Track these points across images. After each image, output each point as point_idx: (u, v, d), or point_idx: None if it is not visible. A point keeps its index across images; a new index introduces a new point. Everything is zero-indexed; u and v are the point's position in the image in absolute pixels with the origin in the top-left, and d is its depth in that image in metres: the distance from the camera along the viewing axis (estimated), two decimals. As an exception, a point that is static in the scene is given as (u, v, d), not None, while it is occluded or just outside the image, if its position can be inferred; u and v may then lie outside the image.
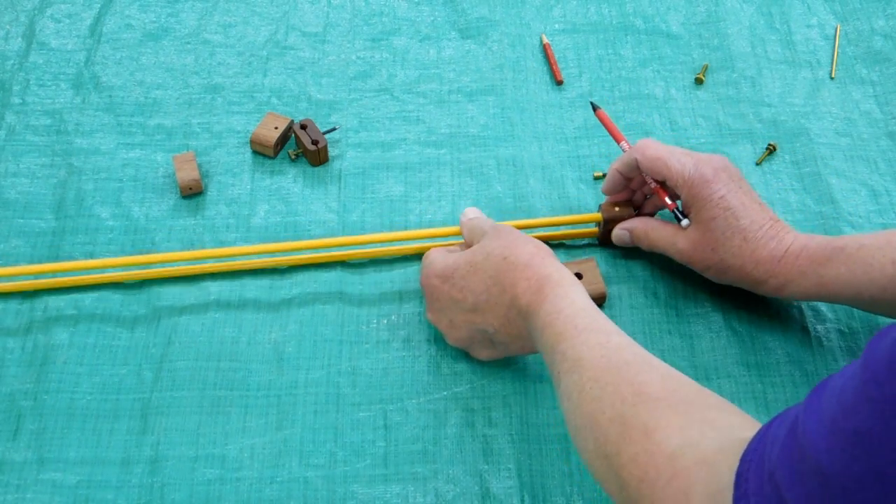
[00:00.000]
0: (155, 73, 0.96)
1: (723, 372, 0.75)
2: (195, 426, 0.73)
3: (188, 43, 0.99)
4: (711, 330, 0.77)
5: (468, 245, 0.75)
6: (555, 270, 0.66)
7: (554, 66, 0.96)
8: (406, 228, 0.84)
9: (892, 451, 0.38)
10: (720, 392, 0.63)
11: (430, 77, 0.96)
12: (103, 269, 0.80)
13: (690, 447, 0.51)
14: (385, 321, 0.78)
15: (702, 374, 0.75)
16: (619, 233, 0.79)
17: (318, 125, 0.91)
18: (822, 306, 0.78)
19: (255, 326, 0.78)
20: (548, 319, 0.63)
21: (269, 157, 0.89)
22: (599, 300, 0.77)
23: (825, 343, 0.76)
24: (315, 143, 0.87)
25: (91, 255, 0.82)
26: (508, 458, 0.71)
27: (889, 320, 0.73)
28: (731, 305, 0.78)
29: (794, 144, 0.90)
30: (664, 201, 0.77)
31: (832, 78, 0.96)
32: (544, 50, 0.98)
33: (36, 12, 1.01)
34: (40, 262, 0.81)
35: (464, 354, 0.76)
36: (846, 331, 0.77)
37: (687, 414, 0.53)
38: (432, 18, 1.01)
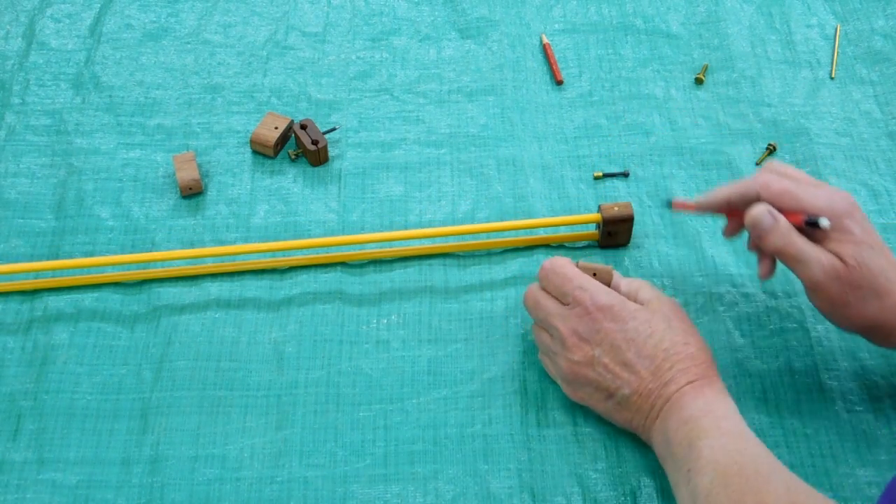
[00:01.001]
0: (155, 73, 0.96)
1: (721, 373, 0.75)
2: (195, 426, 0.73)
3: (188, 43, 0.99)
4: (712, 332, 0.77)
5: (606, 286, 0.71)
6: (717, 379, 0.67)
7: (554, 66, 0.96)
8: (406, 228, 0.84)
9: None
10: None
11: (430, 77, 0.96)
12: (103, 268, 0.80)
13: None
14: (385, 321, 0.78)
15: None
16: (759, 211, 0.67)
17: (318, 125, 0.91)
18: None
19: (255, 326, 0.78)
20: (696, 414, 0.64)
21: (269, 157, 0.89)
22: None
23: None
24: (315, 143, 0.87)
25: (91, 255, 0.82)
26: (508, 458, 0.71)
27: None
28: (729, 317, 0.78)
29: (794, 144, 0.90)
30: (793, 219, 0.67)
31: (832, 78, 0.96)
32: (544, 50, 0.98)
33: (36, 12, 1.01)
34: (40, 262, 0.81)
35: (464, 354, 0.76)
36: None
37: None
38: (432, 18, 1.01)
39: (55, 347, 0.76)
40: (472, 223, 0.84)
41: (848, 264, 0.65)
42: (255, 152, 0.90)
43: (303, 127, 0.88)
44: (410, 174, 0.88)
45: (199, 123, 0.92)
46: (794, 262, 0.66)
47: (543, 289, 0.72)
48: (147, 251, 0.83)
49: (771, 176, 0.69)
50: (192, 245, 0.83)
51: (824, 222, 0.65)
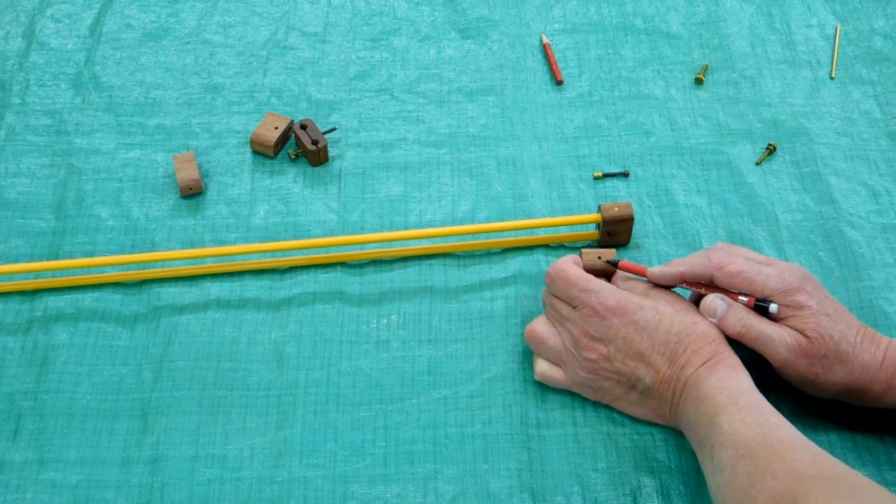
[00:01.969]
0: (155, 73, 0.96)
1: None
2: (195, 426, 0.73)
3: (188, 43, 0.99)
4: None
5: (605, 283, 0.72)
6: (730, 354, 0.67)
7: (554, 66, 0.96)
8: (406, 228, 0.84)
9: None
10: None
11: (430, 77, 0.96)
12: (103, 268, 0.80)
13: None
14: (385, 321, 0.78)
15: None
16: (711, 300, 0.69)
17: (318, 125, 0.91)
18: None
19: (255, 326, 0.78)
20: (712, 392, 0.64)
21: (269, 157, 0.89)
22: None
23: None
24: (315, 143, 0.87)
25: (91, 255, 0.82)
26: (508, 458, 0.71)
27: None
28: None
29: (794, 144, 0.90)
30: (743, 302, 0.69)
31: (832, 78, 0.96)
32: (544, 50, 0.98)
33: (36, 12, 1.01)
34: (40, 262, 0.81)
35: (464, 354, 0.76)
36: None
37: (835, 489, 0.55)
38: (432, 18, 1.01)
39: (55, 347, 0.76)
40: (472, 223, 0.84)
41: (809, 337, 0.67)
42: (255, 152, 0.90)
43: (303, 127, 0.88)
44: (410, 174, 0.88)
45: (199, 123, 0.92)
46: (756, 344, 0.68)
47: (552, 293, 0.73)
48: (147, 251, 0.83)
49: (724, 257, 0.70)
50: (192, 245, 0.83)
51: (773, 308, 0.68)
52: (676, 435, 0.71)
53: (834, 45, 0.98)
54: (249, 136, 0.90)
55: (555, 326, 0.73)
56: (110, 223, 0.84)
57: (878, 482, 0.68)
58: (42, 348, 0.76)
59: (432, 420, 0.73)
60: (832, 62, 0.97)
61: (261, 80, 0.95)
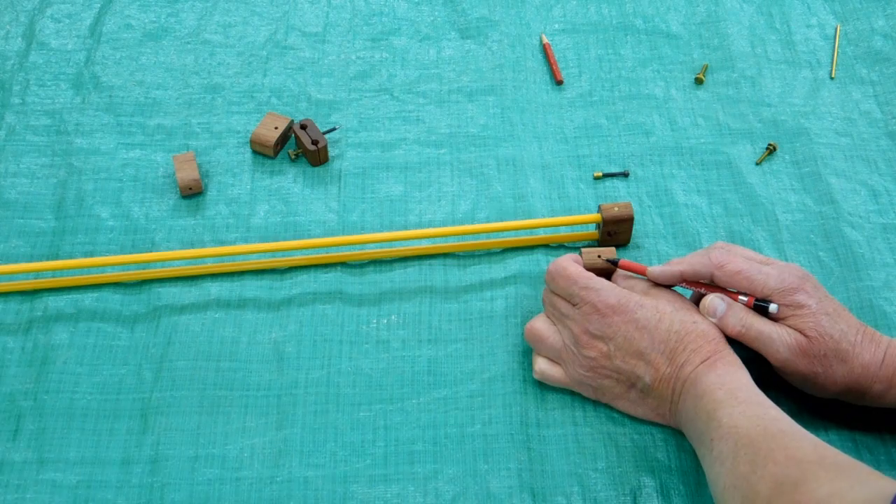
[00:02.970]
0: (155, 73, 0.96)
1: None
2: (195, 426, 0.73)
3: (188, 43, 0.99)
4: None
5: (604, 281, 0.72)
6: (729, 352, 0.68)
7: (554, 66, 0.96)
8: (406, 228, 0.84)
9: None
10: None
11: (430, 77, 0.96)
12: (103, 268, 0.80)
13: (838, 496, 0.53)
14: (385, 321, 0.78)
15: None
16: (711, 300, 0.70)
17: (318, 125, 0.91)
18: None
19: (255, 326, 0.78)
20: (710, 388, 0.64)
21: (269, 157, 0.89)
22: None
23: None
24: (315, 143, 0.87)
25: (91, 255, 0.82)
26: (508, 458, 0.71)
27: None
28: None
29: (794, 144, 0.90)
30: (742, 302, 0.69)
31: (832, 78, 0.96)
32: (544, 50, 0.98)
33: (36, 12, 1.01)
34: (40, 262, 0.81)
35: (464, 354, 0.76)
36: None
37: (838, 473, 0.55)
38: (432, 18, 1.01)
39: (55, 347, 0.76)
40: (472, 223, 0.84)
41: (809, 337, 0.67)
42: (255, 152, 0.90)
43: (303, 127, 0.88)
44: (410, 174, 0.88)
45: (199, 123, 0.92)
46: (756, 344, 0.68)
47: (552, 291, 0.73)
48: (147, 251, 0.83)
49: (724, 256, 0.70)
50: (192, 245, 0.83)
51: (773, 308, 0.68)
52: (676, 435, 0.71)
53: (834, 45, 0.98)
54: (249, 136, 0.90)
55: (555, 324, 0.73)
56: (110, 223, 0.84)
57: (878, 482, 0.68)
58: (42, 348, 0.76)
59: (432, 420, 0.73)
60: (832, 62, 0.97)
61: (261, 80, 0.95)
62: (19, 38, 0.99)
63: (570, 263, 0.72)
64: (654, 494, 0.69)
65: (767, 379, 0.71)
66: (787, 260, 0.81)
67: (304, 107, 0.93)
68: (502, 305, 0.79)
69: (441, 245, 0.82)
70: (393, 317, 0.79)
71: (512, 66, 0.97)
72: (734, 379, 0.65)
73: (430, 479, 0.70)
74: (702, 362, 0.66)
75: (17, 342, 0.77)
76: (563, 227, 0.83)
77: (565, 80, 0.96)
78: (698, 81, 0.95)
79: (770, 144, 0.89)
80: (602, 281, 0.71)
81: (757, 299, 0.69)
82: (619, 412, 0.72)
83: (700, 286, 0.71)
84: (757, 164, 0.89)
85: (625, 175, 0.88)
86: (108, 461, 0.71)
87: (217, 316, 0.79)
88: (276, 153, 0.89)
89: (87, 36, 0.99)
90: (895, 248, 0.82)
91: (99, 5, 1.01)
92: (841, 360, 0.67)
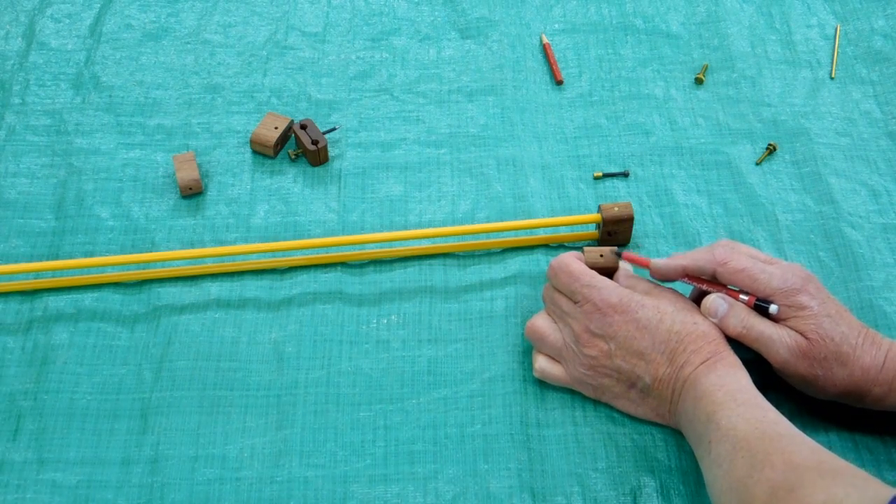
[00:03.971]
0: (155, 73, 0.96)
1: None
2: (195, 426, 0.73)
3: (188, 43, 0.99)
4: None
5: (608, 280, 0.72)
6: (729, 353, 0.68)
7: (554, 66, 0.96)
8: (406, 228, 0.84)
9: None
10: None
11: (430, 77, 0.96)
12: (103, 268, 0.80)
13: (834, 503, 0.53)
14: (385, 321, 0.78)
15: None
16: (713, 300, 0.69)
17: (318, 125, 0.91)
18: None
19: (255, 326, 0.78)
20: (710, 389, 0.64)
21: (269, 157, 0.89)
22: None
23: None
24: (315, 143, 0.87)
25: (91, 255, 0.82)
26: (508, 458, 0.71)
27: None
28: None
29: (794, 144, 0.90)
30: (743, 301, 0.69)
31: (832, 78, 0.96)
32: (544, 50, 0.98)
33: (36, 12, 1.01)
34: (40, 262, 0.81)
35: (464, 354, 0.76)
36: None
37: (834, 479, 0.55)
38: (432, 18, 1.01)
39: (55, 347, 0.76)
40: (472, 223, 0.84)
41: (810, 339, 0.67)
42: (255, 152, 0.90)
43: (303, 127, 0.88)
44: (410, 174, 0.88)
45: (199, 123, 0.92)
46: (757, 345, 0.68)
47: (554, 287, 0.73)
48: (147, 251, 0.83)
49: (728, 253, 0.70)
50: (192, 245, 0.83)
51: (773, 308, 0.67)
52: (676, 435, 0.71)
53: (834, 45, 0.98)
54: (249, 136, 0.90)
55: (556, 322, 0.73)
56: (110, 223, 0.84)
57: (878, 482, 0.68)
58: (42, 348, 0.76)
59: (432, 420, 0.73)
60: (832, 62, 0.97)
61: (261, 80, 0.95)
62: (19, 38, 0.99)
63: (572, 260, 0.72)
64: (654, 494, 0.69)
65: (767, 380, 0.71)
66: (787, 260, 0.81)
67: (304, 107, 0.93)
68: (502, 305, 0.79)
69: (441, 245, 0.82)
70: (393, 317, 0.79)
71: (512, 66, 0.97)
72: (734, 380, 0.65)
73: (430, 479, 0.70)
74: (702, 363, 0.66)
75: (17, 342, 0.77)
76: (563, 227, 0.83)
77: (565, 80, 0.96)
78: (698, 81, 0.95)
79: (770, 144, 0.89)
80: (604, 279, 0.71)
81: (758, 299, 0.68)
82: (619, 412, 0.72)
83: (702, 282, 0.71)
84: (757, 164, 0.89)
85: (625, 175, 0.88)
86: (108, 461, 0.71)
87: (217, 316, 0.79)
88: (276, 153, 0.89)
89: (87, 36, 0.99)
90: (895, 248, 0.82)
91: (99, 5, 1.01)
92: (841, 363, 0.67)
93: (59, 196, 0.86)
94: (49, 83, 0.95)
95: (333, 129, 0.90)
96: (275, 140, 0.88)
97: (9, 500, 0.69)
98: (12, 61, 0.97)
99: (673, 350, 0.67)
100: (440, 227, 0.84)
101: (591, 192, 0.87)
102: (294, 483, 0.70)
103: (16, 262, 0.82)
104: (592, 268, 0.74)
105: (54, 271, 0.80)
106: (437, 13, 1.01)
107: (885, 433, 0.71)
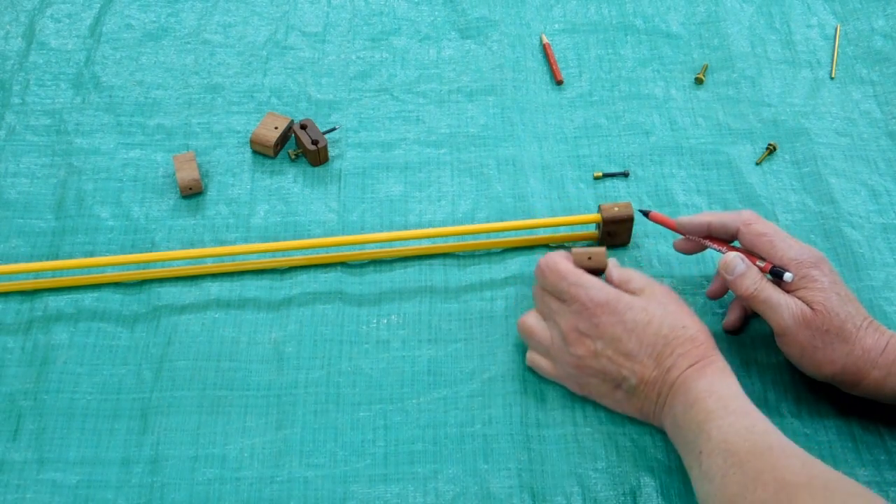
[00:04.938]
0: (155, 73, 0.96)
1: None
2: (195, 426, 0.73)
3: (188, 43, 0.99)
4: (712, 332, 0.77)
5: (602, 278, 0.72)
6: (719, 357, 0.68)
7: (554, 66, 0.96)
8: (406, 228, 0.84)
9: None
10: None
11: (430, 77, 0.96)
12: (103, 268, 0.80)
13: None
14: (385, 321, 0.78)
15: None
16: (732, 257, 0.70)
17: (318, 125, 0.91)
18: None
19: (255, 326, 0.78)
20: (701, 395, 0.64)
21: (269, 157, 0.89)
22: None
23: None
24: (315, 143, 0.87)
25: (91, 255, 0.82)
26: (508, 458, 0.71)
27: None
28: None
29: (794, 144, 0.90)
30: (759, 266, 0.70)
31: (832, 78, 0.96)
32: (544, 50, 0.98)
33: (36, 12, 1.01)
34: (40, 262, 0.81)
35: (464, 354, 0.76)
36: None
37: (825, 496, 0.56)
38: (432, 18, 1.01)
39: (55, 347, 0.76)
40: (472, 223, 0.85)
41: (815, 310, 0.67)
42: (255, 152, 0.90)
43: (303, 127, 0.88)
44: (410, 174, 0.88)
45: (199, 123, 0.92)
46: (763, 308, 0.69)
47: (542, 286, 0.73)
48: (147, 251, 0.83)
49: (753, 216, 0.72)
50: (192, 245, 0.83)
51: (788, 276, 0.68)
52: (676, 435, 0.71)
53: (834, 45, 0.98)
54: (249, 136, 0.90)
55: (545, 320, 0.73)
56: (110, 223, 0.84)
57: (878, 482, 0.68)
58: (42, 348, 0.76)
59: (432, 420, 0.73)
60: (832, 62, 0.97)
61: (261, 80, 0.95)
62: (19, 38, 0.99)
63: (560, 259, 0.72)
64: (654, 494, 0.69)
65: (767, 381, 0.71)
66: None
67: (304, 107, 0.93)
68: (502, 305, 0.79)
69: (441, 245, 0.82)
70: (393, 317, 0.79)
71: (512, 66, 0.97)
72: (725, 386, 0.65)
73: (430, 479, 0.70)
74: (689, 367, 0.66)
75: (17, 342, 0.77)
76: (563, 227, 0.83)
77: (565, 80, 0.96)
78: (698, 81, 0.95)
79: (770, 144, 0.89)
80: (592, 278, 0.71)
81: (774, 266, 0.69)
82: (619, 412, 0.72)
83: (722, 245, 0.73)
84: (757, 164, 0.89)
85: (625, 175, 0.88)
86: (108, 461, 0.71)
87: (217, 316, 0.79)
88: (276, 153, 0.89)
89: (87, 36, 0.99)
90: (895, 248, 0.82)
91: (99, 5, 1.01)
92: (843, 339, 0.67)
93: (59, 196, 0.86)
94: (49, 83, 0.95)
95: (333, 129, 0.90)
96: (275, 140, 0.88)
97: (9, 500, 0.69)
98: (12, 61, 0.97)
99: (660, 353, 0.67)
100: (440, 227, 0.84)
101: (591, 192, 0.87)
102: (294, 483, 0.70)
103: (16, 262, 0.82)
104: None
105: (54, 271, 0.80)
106: (437, 13, 1.01)
107: (884, 433, 0.71)
